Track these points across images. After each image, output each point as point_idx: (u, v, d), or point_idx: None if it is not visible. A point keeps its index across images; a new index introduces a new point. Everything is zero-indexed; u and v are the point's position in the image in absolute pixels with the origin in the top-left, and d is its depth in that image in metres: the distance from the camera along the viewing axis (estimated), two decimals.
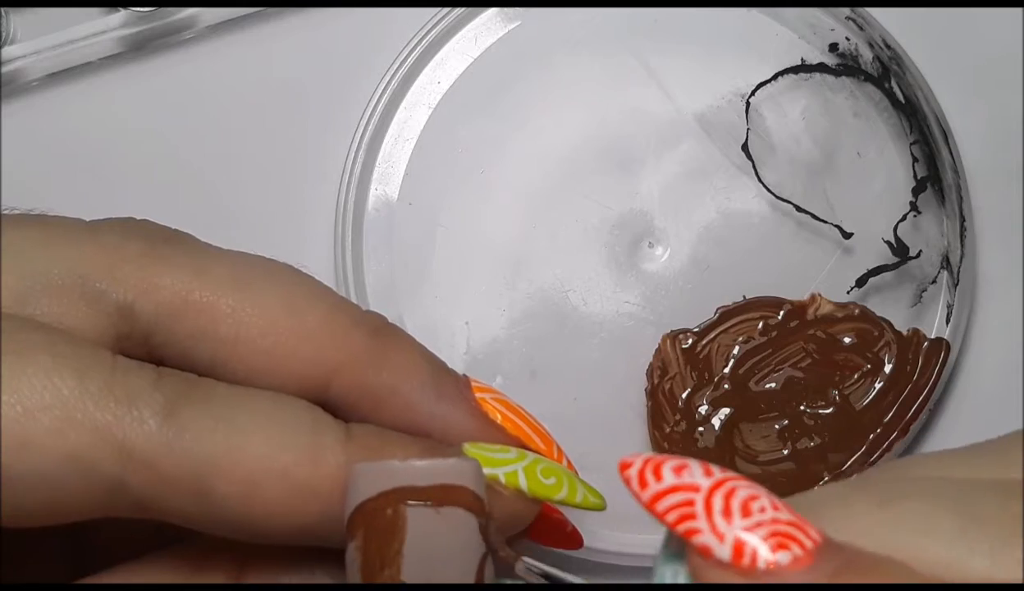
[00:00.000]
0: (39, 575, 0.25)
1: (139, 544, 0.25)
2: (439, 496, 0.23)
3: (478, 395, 0.28)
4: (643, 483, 0.20)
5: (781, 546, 0.19)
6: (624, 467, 0.20)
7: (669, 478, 0.20)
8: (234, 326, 0.25)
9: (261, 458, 0.23)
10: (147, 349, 0.25)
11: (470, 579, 0.23)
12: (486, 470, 0.25)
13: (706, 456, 0.37)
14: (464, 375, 0.28)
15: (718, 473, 0.20)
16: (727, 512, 0.19)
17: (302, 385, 0.25)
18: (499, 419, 0.28)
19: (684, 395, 0.37)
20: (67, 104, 0.40)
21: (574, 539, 0.30)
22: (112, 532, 0.27)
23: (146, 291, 0.25)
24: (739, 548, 0.19)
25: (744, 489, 0.20)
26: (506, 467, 0.25)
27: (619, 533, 0.37)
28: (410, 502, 0.23)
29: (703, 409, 0.37)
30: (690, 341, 0.38)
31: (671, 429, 0.37)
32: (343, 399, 0.26)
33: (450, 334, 0.38)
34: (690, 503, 0.19)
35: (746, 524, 0.19)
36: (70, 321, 0.24)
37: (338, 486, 0.23)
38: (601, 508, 0.28)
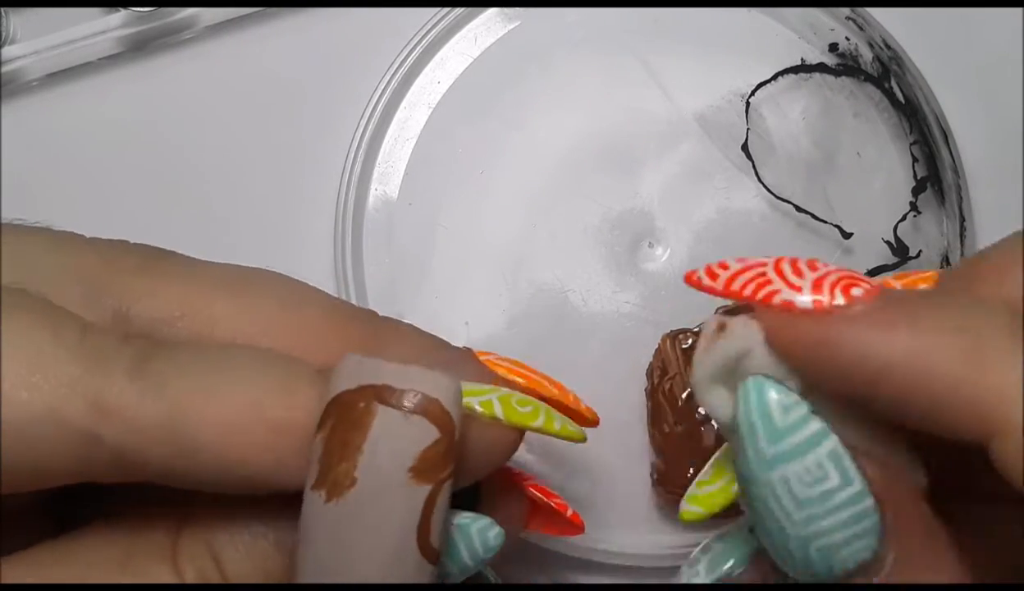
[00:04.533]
0: None
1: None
2: (411, 401, 0.22)
3: (482, 358, 0.28)
4: (712, 275, 0.22)
5: (850, 286, 0.21)
6: (690, 275, 0.23)
7: (735, 264, 0.22)
8: (231, 329, 0.25)
9: (232, 394, 0.23)
10: None
11: (421, 497, 0.23)
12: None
13: (706, 457, 0.37)
14: (466, 347, 0.28)
15: (774, 258, 0.22)
16: (797, 271, 0.22)
17: None
18: (506, 373, 0.28)
19: (684, 395, 0.37)
20: (67, 104, 0.40)
21: (575, 524, 0.30)
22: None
23: (142, 298, 0.25)
24: (818, 288, 0.21)
25: (802, 259, 0.22)
26: (481, 397, 0.25)
27: (623, 534, 0.37)
28: (383, 401, 0.22)
29: (703, 409, 0.37)
30: (690, 341, 0.38)
31: (671, 429, 0.37)
32: None
33: (450, 334, 0.38)
34: (762, 274, 0.22)
35: (816, 275, 0.22)
36: None
37: (312, 418, 0.23)
38: (581, 439, 0.28)
